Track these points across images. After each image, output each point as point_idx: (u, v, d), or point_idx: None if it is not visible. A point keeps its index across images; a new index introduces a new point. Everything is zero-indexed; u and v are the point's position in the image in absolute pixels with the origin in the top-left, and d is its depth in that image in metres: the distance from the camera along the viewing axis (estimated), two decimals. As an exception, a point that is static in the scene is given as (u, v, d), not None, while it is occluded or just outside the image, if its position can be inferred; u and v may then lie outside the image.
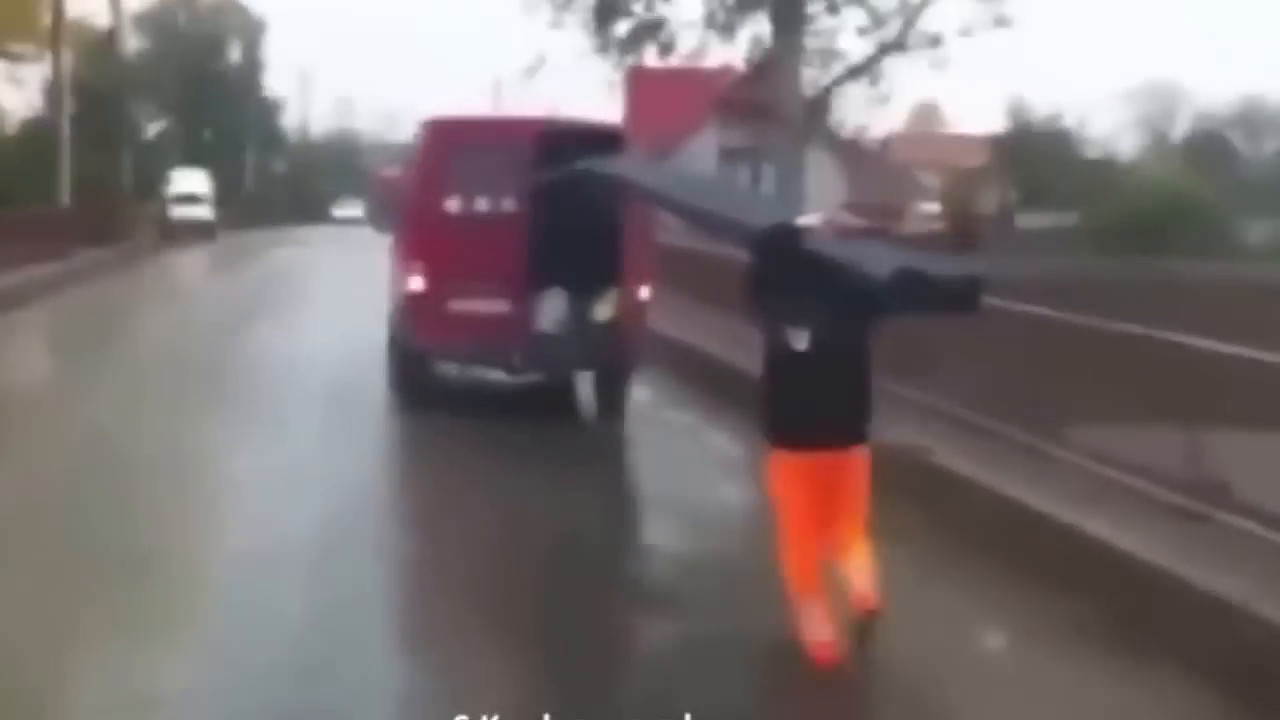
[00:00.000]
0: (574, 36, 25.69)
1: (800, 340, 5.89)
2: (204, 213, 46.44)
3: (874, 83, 26.11)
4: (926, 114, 68.78)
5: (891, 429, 8.27)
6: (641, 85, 47.84)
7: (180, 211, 45.24)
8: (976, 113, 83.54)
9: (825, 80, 25.77)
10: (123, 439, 10.86)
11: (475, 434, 10.98)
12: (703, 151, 46.45)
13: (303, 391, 13.23)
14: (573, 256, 11.07)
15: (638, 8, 25.83)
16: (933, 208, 45.04)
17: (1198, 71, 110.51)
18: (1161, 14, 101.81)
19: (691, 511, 9.27)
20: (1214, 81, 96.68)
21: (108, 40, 37.59)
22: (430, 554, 8.01)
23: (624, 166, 10.35)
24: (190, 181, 47.72)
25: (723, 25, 25.35)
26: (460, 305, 11.46)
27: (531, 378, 12.44)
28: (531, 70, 26.60)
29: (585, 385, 12.66)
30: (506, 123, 12.54)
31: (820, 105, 26.26)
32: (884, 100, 26.98)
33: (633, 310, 11.78)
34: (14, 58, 35.87)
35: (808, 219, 6.49)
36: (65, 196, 32.50)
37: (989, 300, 6.72)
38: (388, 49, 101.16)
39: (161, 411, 12.15)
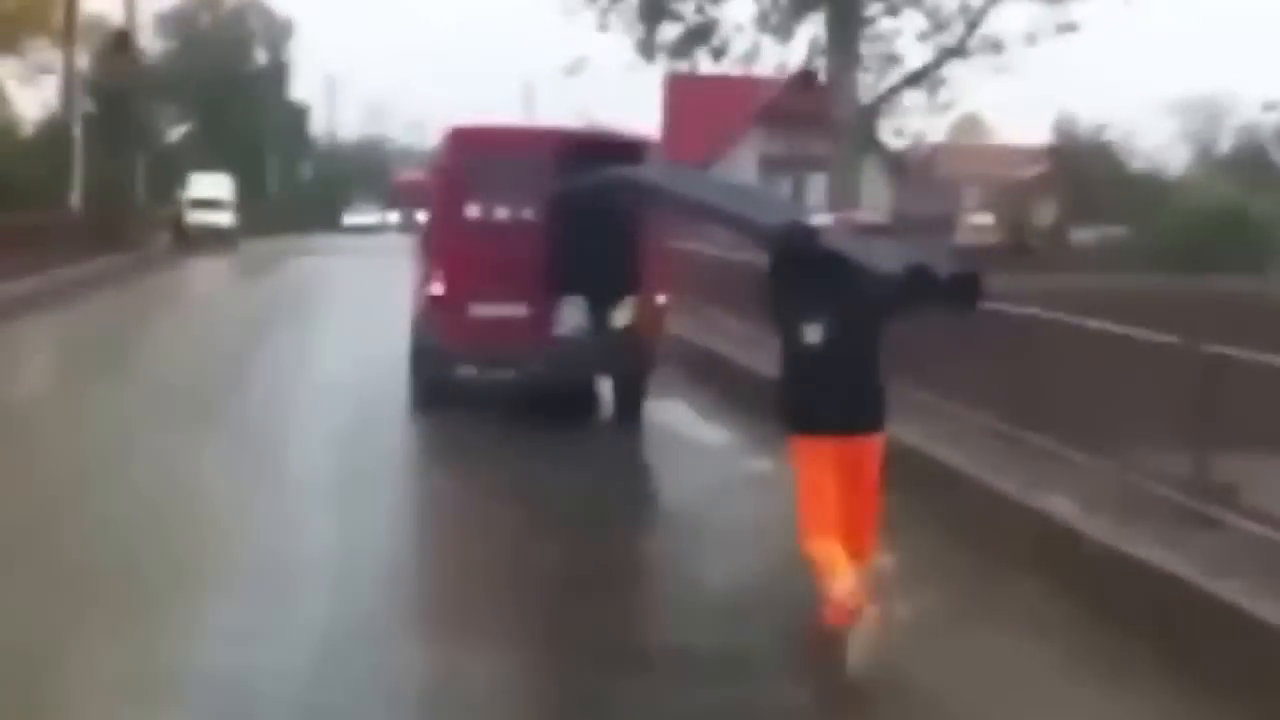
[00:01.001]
0: (619, 41, 24.10)
1: (814, 333, 6.14)
2: (223, 219, 44.19)
3: (933, 90, 24.37)
4: (969, 125, 67.35)
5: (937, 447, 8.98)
6: (680, 93, 46.41)
7: (198, 217, 43.06)
8: (1019, 124, 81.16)
9: (882, 87, 24.05)
10: (105, 483, 9.38)
11: (496, 436, 11.10)
12: (743, 161, 44.89)
13: (314, 435, 11.64)
14: (591, 263, 11.30)
15: (686, 9, 24.24)
16: (985, 219, 43.46)
17: (1244, 83, 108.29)
18: (1204, 24, 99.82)
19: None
20: (1260, 92, 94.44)
21: (121, 38, 35.62)
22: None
23: (644, 173, 10.21)
24: (210, 186, 45.37)
25: (777, 27, 23.72)
26: (480, 310, 11.70)
27: (552, 382, 12.45)
28: (571, 70, 24.96)
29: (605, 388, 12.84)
30: (528, 132, 12.74)
31: (871, 113, 24.61)
32: (944, 109, 25.22)
33: (650, 316, 12.03)
34: (28, 56, 34.24)
35: (821, 218, 6.70)
36: (77, 201, 30.98)
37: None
38: (420, 54, 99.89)
39: (151, 450, 10.52)
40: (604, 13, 23.88)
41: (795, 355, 6.27)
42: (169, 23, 60.50)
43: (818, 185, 46.41)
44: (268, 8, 63.67)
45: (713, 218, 8.91)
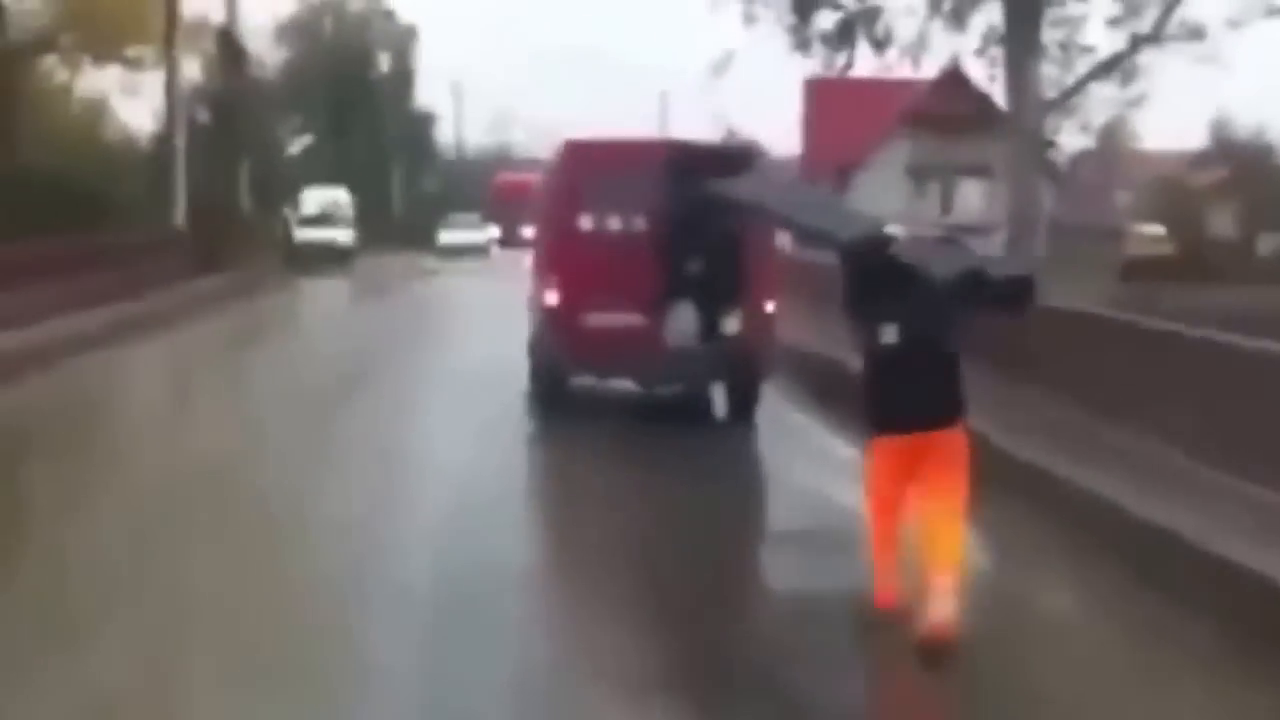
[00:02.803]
0: (766, 37, 21.65)
1: (890, 334, 6.56)
2: (339, 236, 41.06)
3: (1126, 82, 21.48)
4: (1114, 129, 63.81)
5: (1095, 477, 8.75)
6: (821, 98, 43.80)
7: (311, 234, 40.14)
8: (1167, 128, 76.69)
9: (1068, 79, 21.21)
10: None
11: (618, 441, 11.38)
12: (887, 168, 42.08)
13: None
14: (701, 272, 11.82)
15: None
16: (1156, 230, 40.08)
17: None
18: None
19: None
20: None
21: (224, 38, 33.59)
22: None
23: (741, 189, 10.66)
24: (324, 201, 42.57)
25: (951, 12, 21.01)
26: (594, 319, 12.08)
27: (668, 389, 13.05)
28: (717, 69, 22.79)
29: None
30: (639, 145, 13.05)
31: (1052, 109, 21.82)
32: (1137, 103, 22.60)
33: (759, 323, 12.32)
34: (132, 64, 32.64)
35: (892, 228, 7.31)
36: (181, 218, 29.25)
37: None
38: (550, 56, 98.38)
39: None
40: (752, 4, 21.50)
41: (874, 356, 6.70)
42: (290, 32, 59.28)
43: (969, 191, 43.83)
44: (391, 14, 62.17)
45: (796, 230, 9.67)
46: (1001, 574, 7.73)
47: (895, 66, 22.43)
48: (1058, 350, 11.23)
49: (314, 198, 43.00)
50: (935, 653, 6.07)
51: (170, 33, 29.32)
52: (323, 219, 41.16)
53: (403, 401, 14.44)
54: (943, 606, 6.12)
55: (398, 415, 13.54)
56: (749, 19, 21.80)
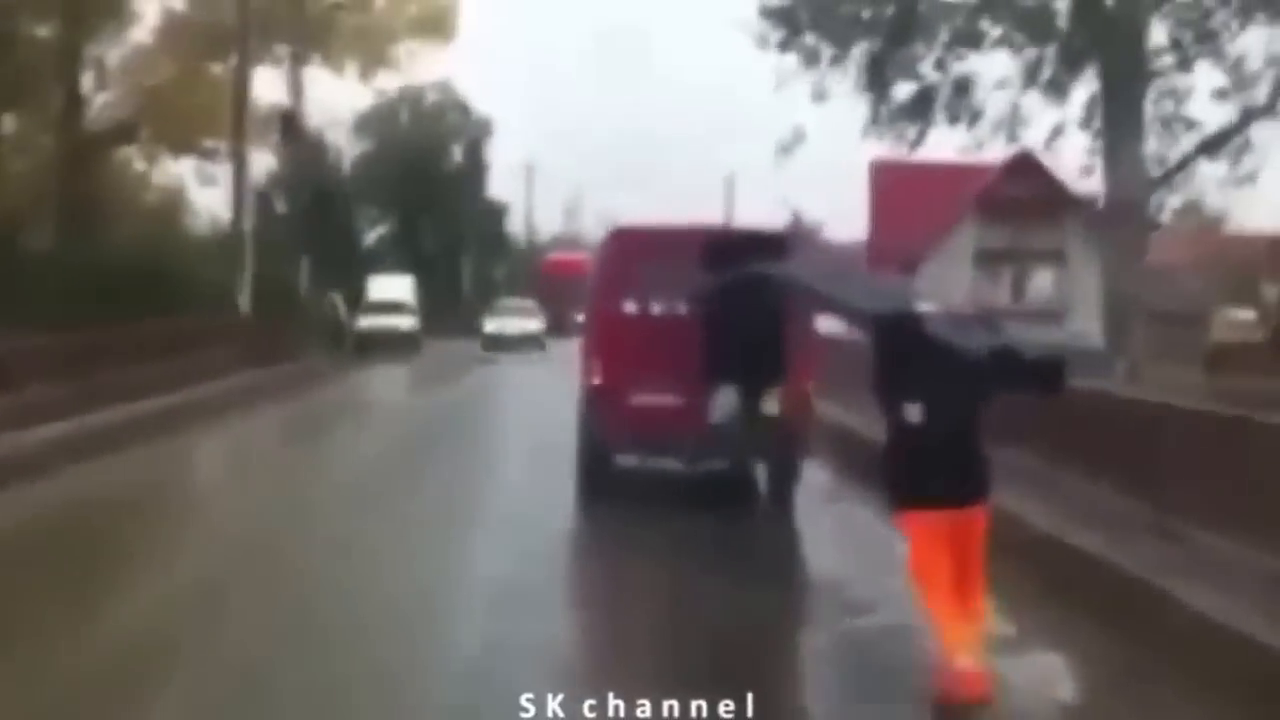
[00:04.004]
0: (840, 111, 21.22)
1: (915, 413, 6.66)
2: (403, 322, 40.62)
3: (1236, 159, 20.65)
4: (1190, 208, 62.75)
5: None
6: (887, 181, 43.53)
7: (375, 321, 39.91)
8: (1246, 209, 75.25)
9: (1172, 155, 20.47)
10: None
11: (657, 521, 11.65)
12: (957, 254, 41.65)
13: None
14: (741, 353, 11.98)
15: (925, 68, 21.14)
16: (1247, 314, 39.19)
17: None
18: None
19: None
20: None
21: (288, 120, 34.09)
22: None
23: (780, 267, 10.85)
24: (389, 288, 42.46)
25: (1049, 83, 20.32)
26: (638, 399, 12.45)
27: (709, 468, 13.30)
28: (787, 147, 22.25)
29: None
30: (682, 230, 13.16)
31: (1154, 187, 20.99)
32: (1248, 180, 21.43)
33: (799, 403, 12.58)
34: (207, 154, 33.33)
35: (924, 306, 7.42)
36: (246, 304, 29.62)
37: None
38: (622, 145, 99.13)
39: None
40: (822, 79, 21.12)
41: (899, 433, 6.77)
42: (368, 124, 60.30)
43: (1039, 277, 43.22)
44: (466, 106, 63.04)
45: (828, 306, 9.68)
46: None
47: (986, 142, 21.66)
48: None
49: (379, 285, 42.99)
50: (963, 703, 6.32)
51: (238, 123, 29.87)
52: (387, 306, 40.99)
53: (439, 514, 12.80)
54: (969, 657, 6.36)
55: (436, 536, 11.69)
56: (818, 96, 21.44)
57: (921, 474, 6.71)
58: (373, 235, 61.19)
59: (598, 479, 12.94)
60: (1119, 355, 20.18)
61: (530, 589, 9.39)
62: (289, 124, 34.00)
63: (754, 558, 10.83)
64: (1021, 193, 39.82)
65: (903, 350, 6.85)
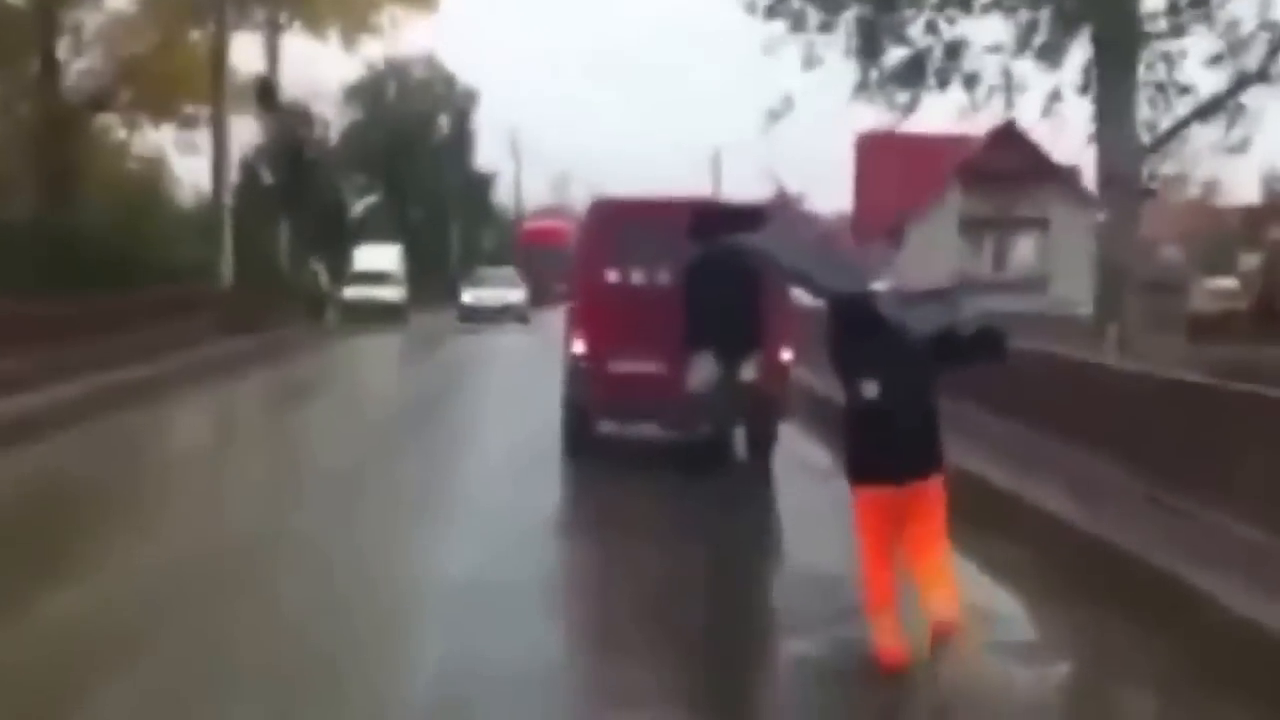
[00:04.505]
0: (830, 78, 20.79)
1: (871, 389, 6.78)
2: (390, 293, 39.88)
3: (1230, 124, 20.51)
4: (1165, 182, 62.78)
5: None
6: (872, 153, 43.46)
7: (360, 292, 39.50)
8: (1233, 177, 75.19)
9: (1164, 121, 20.19)
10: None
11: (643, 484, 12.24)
12: (941, 224, 41.64)
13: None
14: (720, 322, 12.41)
15: (914, 32, 20.70)
16: (1228, 283, 39.12)
17: None
18: None
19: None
20: None
21: (263, 86, 33.61)
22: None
23: (753, 239, 10.33)
24: (375, 258, 41.93)
25: (1043, 48, 19.95)
26: (619, 367, 12.82)
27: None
28: (776, 116, 21.53)
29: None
30: (661, 203, 13.21)
31: (1146, 154, 20.69)
32: (1241, 147, 21.09)
33: (776, 371, 12.95)
34: (188, 121, 33.04)
35: (876, 284, 7.43)
36: (228, 276, 29.47)
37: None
38: (608, 116, 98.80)
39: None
40: (811, 45, 20.70)
41: (856, 409, 6.90)
42: (355, 96, 60.30)
43: (1022, 246, 43.16)
44: (452, 78, 63.00)
45: (789, 281, 9.90)
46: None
47: (981, 107, 21.24)
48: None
49: (365, 255, 42.51)
50: (944, 642, 6.53)
51: (217, 90, 29.59)
52: (374, 276, 40.54)
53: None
54: (947, 608, 6.56)
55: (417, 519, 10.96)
56: (809, 62, 20.96)
57: (870, 451, 6.83)
58: (360, 205, 61.09)
59: (581, 443, 13.36)
60: (1109, 323, 20.00)
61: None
62: (265, 91, 33.62)
63: (733, 507, 11.35)
64: (1005, 163, 39.74)
65: (855, 329, 6.94)
